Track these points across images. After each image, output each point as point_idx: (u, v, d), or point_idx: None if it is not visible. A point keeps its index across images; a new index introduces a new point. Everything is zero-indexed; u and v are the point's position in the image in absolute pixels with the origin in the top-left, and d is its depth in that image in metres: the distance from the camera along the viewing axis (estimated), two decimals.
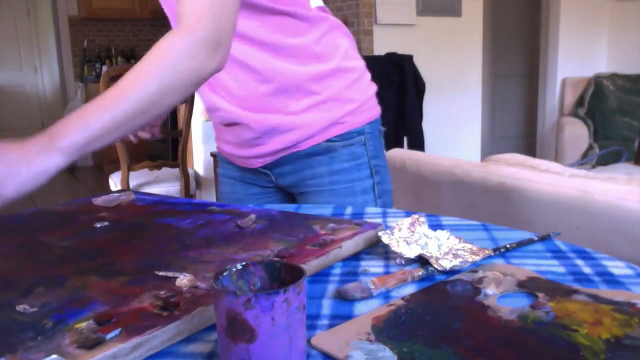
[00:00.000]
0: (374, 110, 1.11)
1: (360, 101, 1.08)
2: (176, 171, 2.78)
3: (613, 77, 4.28)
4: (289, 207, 0.97)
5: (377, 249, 0.74)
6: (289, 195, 1.17)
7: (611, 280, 0.62)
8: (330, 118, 1.05)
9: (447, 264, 0.65)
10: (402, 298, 0.58)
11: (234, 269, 0.47)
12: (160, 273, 0.62)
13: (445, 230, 0.72)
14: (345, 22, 3.67)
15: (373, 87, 1.12)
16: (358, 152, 1.09)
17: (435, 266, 0.64)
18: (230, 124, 1.07)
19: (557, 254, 0.71)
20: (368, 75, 1.12)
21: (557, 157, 4.28)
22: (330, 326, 0.53)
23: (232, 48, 0.91)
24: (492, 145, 5.20)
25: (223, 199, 1.23)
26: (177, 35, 0.74)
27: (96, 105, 0.70)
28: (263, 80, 1.00)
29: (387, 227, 0.80)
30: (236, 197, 1.18)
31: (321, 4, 1.06)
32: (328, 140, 1.06)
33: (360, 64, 1.11)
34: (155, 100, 0.72)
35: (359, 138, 1.09)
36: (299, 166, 1.09)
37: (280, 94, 1.01)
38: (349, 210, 0.94)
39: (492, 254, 0.70)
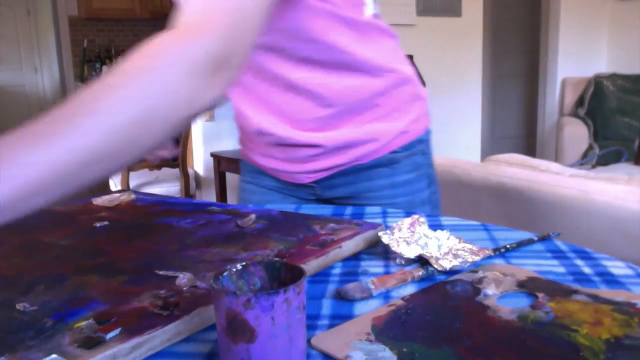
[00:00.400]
0: (428, 116, 1.05)
1: (419, 107, 1.02)
2: (176, 171, 2.78)
3: (613, 77, 4.28)
4: (289, 207, 0.97)
5: (377, 249, 0.74)
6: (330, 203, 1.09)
7: (611, 280, 0.62)
8: (397, 129, 0.98)
9: (447, 264, 0.65)
10: (402, 298, 0.58)
11: (234, 269, 0.47)
12: (160, 272, 0.62)
13: (445, 230, 0.72)
14: None
15: (424, 91, 1.05)
16: (419, 161, 1.02)
17: (435, 266, 0.64)
18: (285, 145, 0.98)
19: (557, 254, 0.71)
20: (417, 79, 1.05)
21: (557, 157, 4.28)
22: (330, 326, 0.53)
23: (285, 71, 0.88)
24: (492, 145, 5.20)
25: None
26: (175, 40, 0.53)
27: (37, 136, 0.45)
28: (326, 104, 0.92)
29: (387, 227, 0.80)
30: None
31: (376, 11, 0.96)
32: (392, 152, 0.99)
33: (410, 68, 1.03)
34: (129, 134, 0.48)
35: (419, 147, 1.02)
36: (353, 179, 1.00)
37: (346, 114, 0.94)
38: (348, 211, 0.94)
39: (492, 254, 0.70)
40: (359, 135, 0.96)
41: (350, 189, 1.01)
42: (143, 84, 0.49)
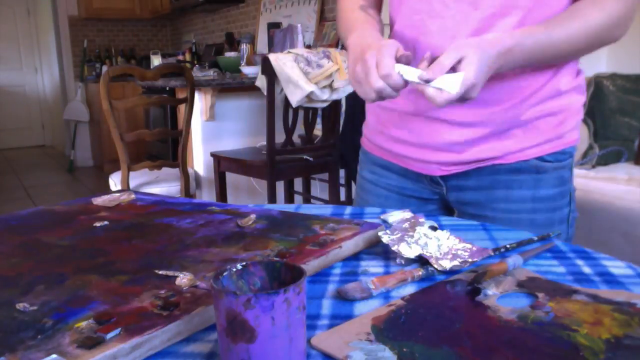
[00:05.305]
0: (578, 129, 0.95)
1: (578, 116, 0.93)
2: (176, 171, 2.78)
3: (613, 77, 4.28)
4: (289, 207, 0.97)
5: (377, 249, 0.74)
6: (452, 212, 1.01)
7: (611, 280, 0.62)
8: (555, 131, 0.89)
9: (447, 264, 0.65)
10: (402, 298, 0.58)
11: (234, 269, 0.47)
12: (160, 272, 0.62)
13: (445, 230, 0.72)
14: None
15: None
16: (565, 176, 0.92)
17: (435, 266, 0.64)
18: (434, 119, 0.90)
19: (557, 254, 0.71)
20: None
21: None
22: (330, 326, 0.53)
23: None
24: None
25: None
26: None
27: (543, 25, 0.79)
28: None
29: (387, 227, 0.80)
30: None
31: None
32: (539, 158, 0.90)
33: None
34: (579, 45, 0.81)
35: (568, 161, 0.92)
36: (489, 182, 0.91)
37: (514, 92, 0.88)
38: (348, 210, 0.94)
39: (492, 254, 0.70)
40: (515, 122, 0.88)
41: (483, 194, 0.92)
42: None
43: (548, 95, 0.89)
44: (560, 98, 0.90)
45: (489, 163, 0.91)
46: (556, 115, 0.90)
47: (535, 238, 0.75)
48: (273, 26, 3.63)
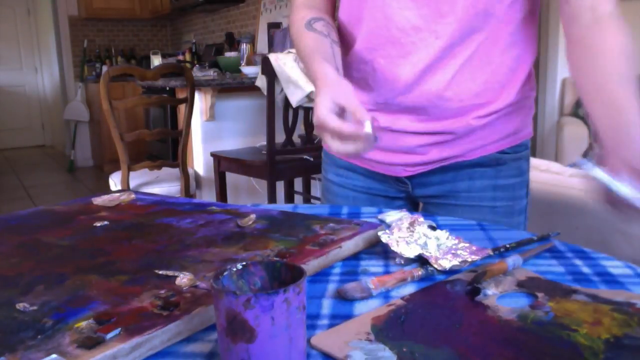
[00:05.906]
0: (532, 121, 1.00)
1: (530, 109, 0.97)
2: (176, 171, 2.78)
3: None
4: (288, 207, 0.97)
5: (377, 248, 0.74)
6: (417, 206, 1.04)
7: (610, 280, 0.62)
8: (512, 127, 0.94)
9: (446, 263, 0.65)
10: (402, 298, 0.58)
11: (234, 269, 0.47)
12: (160, 272, 0.62)
13: (444, 230, 0.72)
14: None
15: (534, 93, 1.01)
16: (523, 167, 0.97)
17: (435, 266, 0.64)
18: (400, 132, 0.93)
19: (556, 254, 0.71)
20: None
21: (557, 157, 4.28)
22: (330, 326, 0.53)
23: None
24: None
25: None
26: None
27: None
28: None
29: (386, 227, 0.80)
30: None
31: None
32: (500, 152, 0.95)
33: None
34: None
35: (526, 152, 0.98)
36: (452, 176, 0.96)
37: (474, 104, 0.90)
38: (345, 210, 0.94)
39: (492, 253, 0.70)
40: (477, 125, 0.91)
41: (446, 187, 0.96)
42: None
43: (499, 107, 0.91)
44: (512, 105, 0.93)
45: (452, 161, 0.95)
46: (511, 115, 0.94)
47: (535, 238, 0.75)
48: (273, 26, 3.63)
